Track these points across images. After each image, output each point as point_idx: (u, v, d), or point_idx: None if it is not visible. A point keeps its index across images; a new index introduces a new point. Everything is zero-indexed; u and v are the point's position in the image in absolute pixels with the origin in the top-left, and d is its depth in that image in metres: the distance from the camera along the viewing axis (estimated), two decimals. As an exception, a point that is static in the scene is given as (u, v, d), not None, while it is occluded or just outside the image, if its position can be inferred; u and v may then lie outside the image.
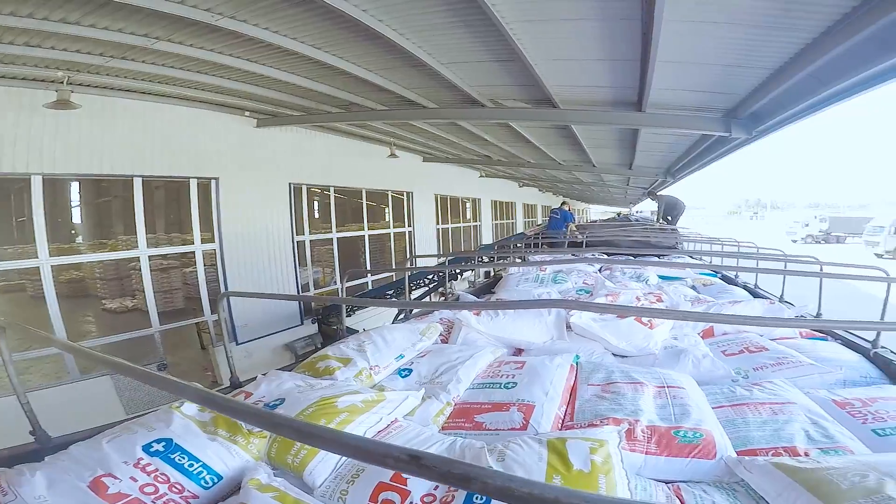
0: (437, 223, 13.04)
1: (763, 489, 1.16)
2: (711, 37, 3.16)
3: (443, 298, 8.11)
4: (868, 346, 2.27)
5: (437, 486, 1.10)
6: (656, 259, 5.56)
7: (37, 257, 4.99)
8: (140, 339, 5.98)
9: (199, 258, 6.62)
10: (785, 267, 3.34)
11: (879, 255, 25.89)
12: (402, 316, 3.80)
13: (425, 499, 1.09)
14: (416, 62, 4.30)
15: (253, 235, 7.08)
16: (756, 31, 2.94)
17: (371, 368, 1.92)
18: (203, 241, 6.65)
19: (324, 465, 1.26)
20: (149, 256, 6.10)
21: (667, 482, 1.29)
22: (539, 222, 21.03)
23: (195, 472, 1.17)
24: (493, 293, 4.18)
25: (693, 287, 4.03)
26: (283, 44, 3.98)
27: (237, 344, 6.68)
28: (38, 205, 4.91)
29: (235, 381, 1.88)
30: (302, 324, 7.91)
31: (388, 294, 9.00)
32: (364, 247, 10.26)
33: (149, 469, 1.13)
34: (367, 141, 9.20)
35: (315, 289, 8.81)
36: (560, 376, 1.79)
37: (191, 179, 6.43)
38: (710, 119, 4.79)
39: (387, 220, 11.35)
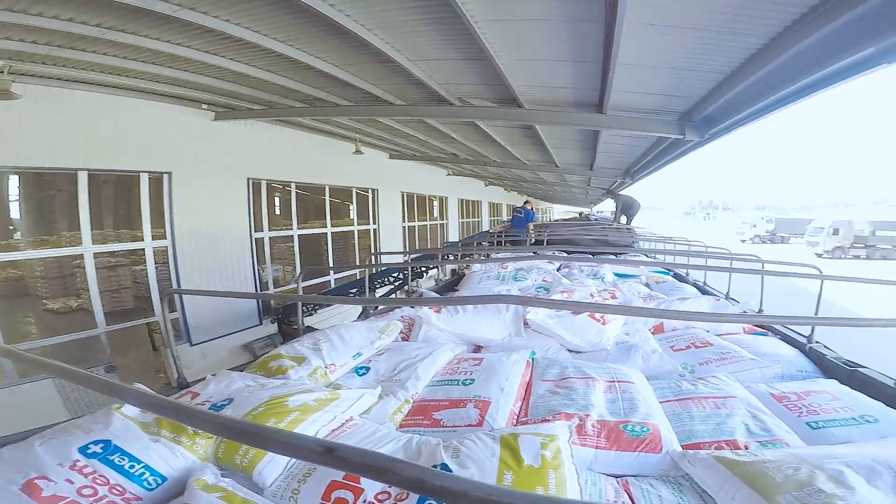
0: (404, 221, 12.96)
1: (705, 483, 1.18)
2: (667, 41, 3.23)
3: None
4: (804, 341, 2.39)
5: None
6: (613, 257, 5.73)
7: (-31, 254, 4.62)
8: (86, 341, 5.66)
9: (149, 256, 6.33)
10: (731, 265, 3.51)
11: (819, 255, 27.82)
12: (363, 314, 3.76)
13: (379, 496, 1.08)
14: (383, 58, 4.24)
15: (208, 232, 6.82)
16: (708, 35, 3.03)
17: (327, 367, 1.88)
18: (154, 237, 6.35)
19: (274, 464, 1.23)
20: (95, 254, 5.78)
21: (617, 476, 1.30)
22: (505, 220, 21.30)
23: (136, 474, 1.14)
24: (457, 291, 4.20)
25: (647, 284, 4.16)
26: (245, 36, 3.84)
27: (191, 345, 6.44)
28: (-28, 199, 4.58)
29: (182, 382, 1.82)
30: (261, 323, 7.70)
31: (352, 293, 8.85)
32: (327, 244, 10.09)
33: (86, 471, 1.09)
34: (331, 136, 9.02)
35: (275, 287, 8.57)
36: (516, 373, 1.81)
37: (141, 174, 6.13)
38: (666, 122, 4.93)
39: (351, 217, 11.18)
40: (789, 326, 2.68)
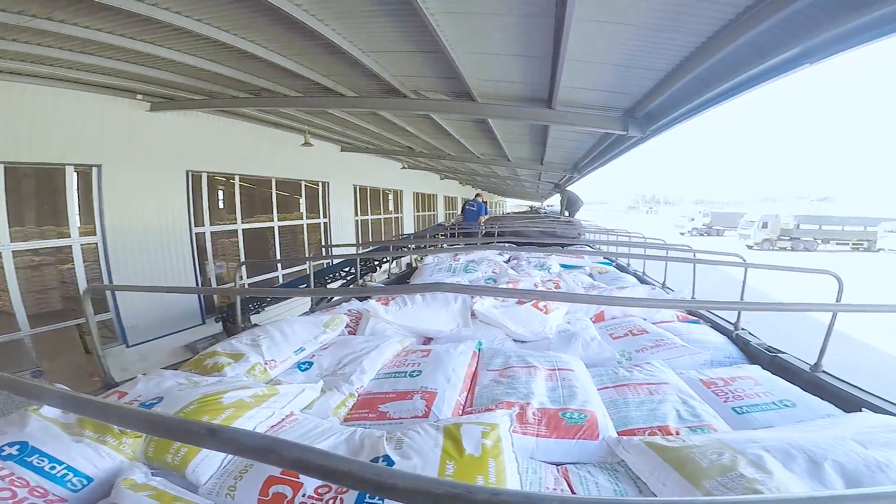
0: (356, 214, 12.73)
1: (638, 468, 1.21)
2: (613, 38, 3.32)
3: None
4: (731, 328, 2.54)
5: None
6: (560, 248, 5.92)
7: None
8: (8, 345, 5.20)
9: (76, 253, 5.87)
10: (667, 254, 3.71)
11: (750, 247, 30.04)
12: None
13: (319, 490, 1.06)
14: (335, 49, 4.12)
15: (143, 227, 6.42)
16: (652, 32, 3.15)
17: (266, 363, 1.82)
18: (82, 234, 5.90)
19: (208, 462, 1.19)
20: (14, 252, 5.30)
21: (557, 464, 1.32)
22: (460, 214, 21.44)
23: (59, 475, 1.09)
24: (409, 283, 4.19)
25: (590, 275, 4.31)
26: (183, 24, 3.62)
27: (128, 346, 6.06)
28: None
29: (109, 382, 1.72)
30: (204, 322, 7.36)
31: (302, 287, 8.62)
32: (274, 239, 9.74)
33: (2, 473, 1.04)
34: (279, 128, 8.71)
35: (218, 284, 8.21)
36: (462, 363, 1.82)
37: (67, 167, 5.67)
38: (611, 118, 5.11)
39: (300, 211, 10.86)
40: (716, 313, 2.86)
